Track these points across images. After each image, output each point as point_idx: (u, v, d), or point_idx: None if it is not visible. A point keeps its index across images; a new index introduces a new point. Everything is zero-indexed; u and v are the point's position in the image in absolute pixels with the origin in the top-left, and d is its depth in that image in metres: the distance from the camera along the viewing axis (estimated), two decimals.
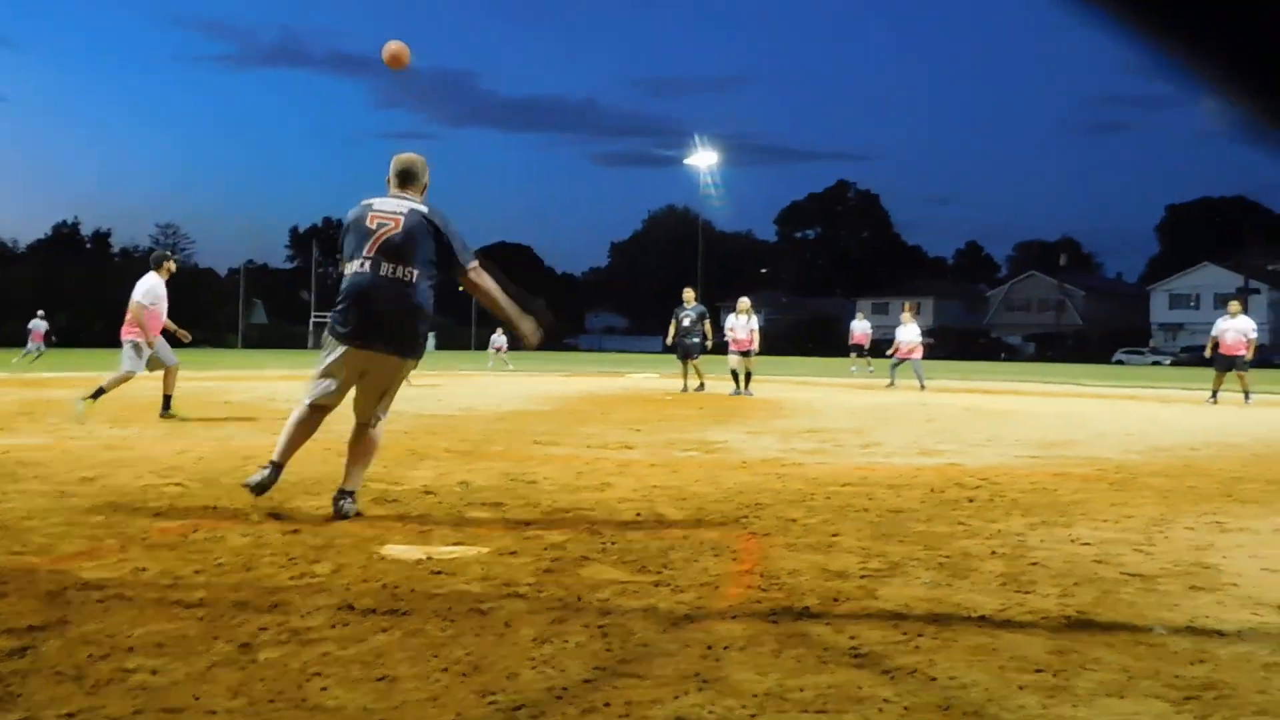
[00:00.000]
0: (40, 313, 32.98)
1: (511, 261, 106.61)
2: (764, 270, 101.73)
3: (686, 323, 18.63)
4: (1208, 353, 18.40)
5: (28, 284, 62.26)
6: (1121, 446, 9.39)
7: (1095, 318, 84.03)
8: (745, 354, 18.00)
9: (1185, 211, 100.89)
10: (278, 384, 18.98)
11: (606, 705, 2.50)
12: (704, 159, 64.89)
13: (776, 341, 69.67)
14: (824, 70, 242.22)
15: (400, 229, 5.01)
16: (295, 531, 4.61)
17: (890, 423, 11.94)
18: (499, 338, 31.17)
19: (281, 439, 5.27)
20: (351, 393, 5.29)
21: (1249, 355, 17.70)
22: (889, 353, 21.48)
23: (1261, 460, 8.52)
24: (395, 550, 4.27)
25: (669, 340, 19.07)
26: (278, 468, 5.20)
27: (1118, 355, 69.92)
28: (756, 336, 18.25)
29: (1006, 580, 3.95)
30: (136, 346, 10.59)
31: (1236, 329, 17.70)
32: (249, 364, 30.86)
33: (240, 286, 71.58)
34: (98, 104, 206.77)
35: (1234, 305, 18.44)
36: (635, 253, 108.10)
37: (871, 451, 8.68)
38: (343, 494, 5.15)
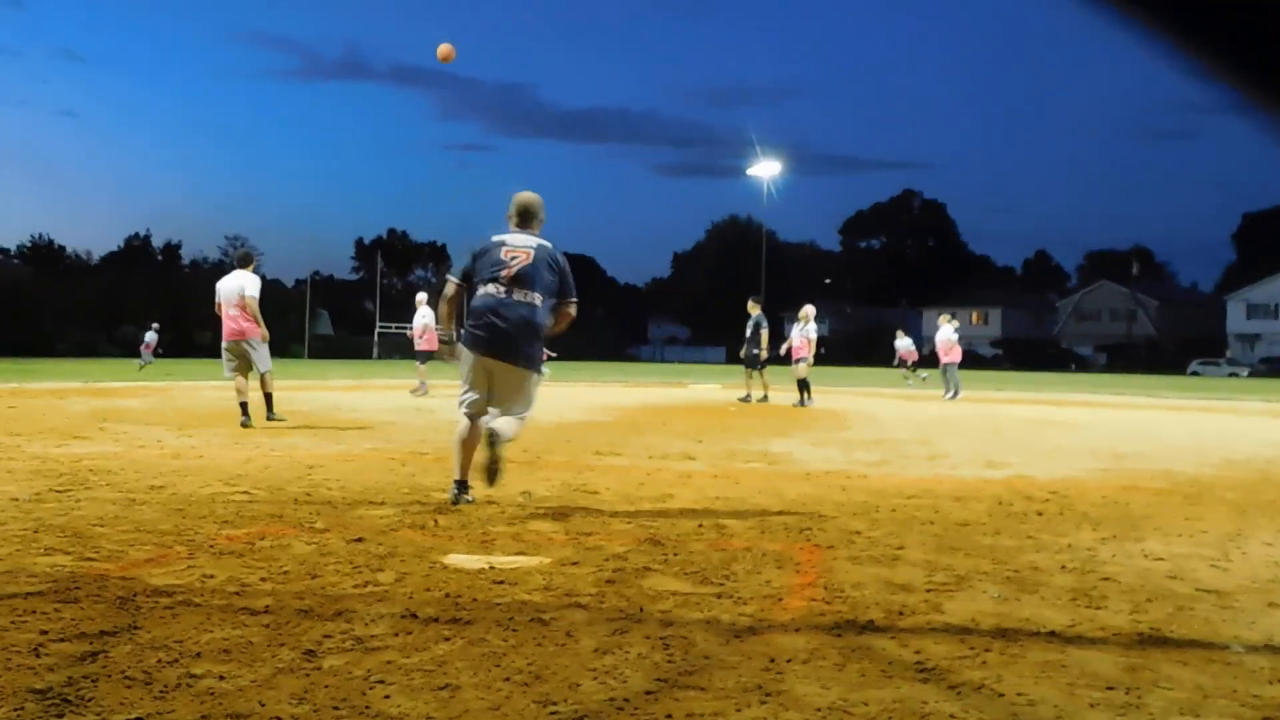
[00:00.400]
0: (155, 325, 34.16)
1: (575, 273, 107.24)
2: (828, 280, 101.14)
3: (749, 333, 18.56)
4: None
5: (99, 295, 63.90)
6: (1195, 459, 9.17)
7: (1169, 328, 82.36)
8: (797, 362, 17.91)
9: (1262, 219, 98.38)
10: (343, 394, 19.22)
11: (668, 717, 2.49)
12: (766, 169, 64.69)
13: (840, 352, 69.30)
14: (886, 78, 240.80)
15: (530, 261, 5.79)
16: (359, 540, 4.66)
17: (956, 434, 11.79)
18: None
19: (455, 459, 5.91)
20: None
21: None
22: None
23: None
24: (457, 560, 4.29)
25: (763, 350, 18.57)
26: (462, 485, 5.87)
27: (1193, 366, 68.43)
28: (808, 345, 18.09)
29: (1076, 595, 3.87)
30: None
31: None
32: (314, 374, 31.30)
33: (306, 297, 72.71)
34: (166, 118, 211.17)
35: None
36: (697, 263, 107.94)
37: (937, 463, 8.57)
38: (460, 485, 5.87)
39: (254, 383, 11.40)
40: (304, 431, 10.58)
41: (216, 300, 11.35)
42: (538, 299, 5.74)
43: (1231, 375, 62.21)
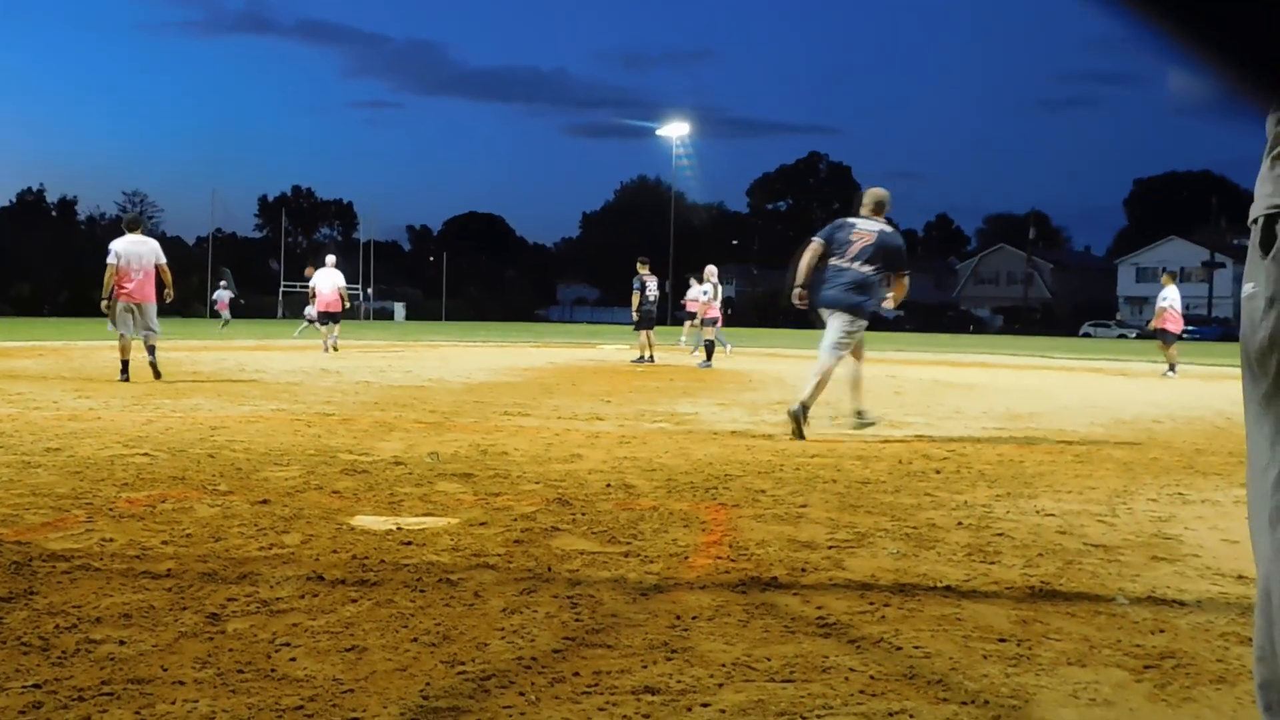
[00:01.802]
0: (223, 281, 32.97)
1: (483, 232, 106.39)
2: (735, 242, 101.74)
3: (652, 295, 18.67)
4: (1154, 326, 18.64)
5: None
6: (1086, 419, 9.50)
7: (1063, 291, 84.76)
8: (705, 323, 18.07)
9: (1152, 186, 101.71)
10: (246, 355, 18.85)
11: (575, 675, 2.52)
12: (675, 130, 64.74)
13: (747, 313, 69.86)
14: (795, 43, 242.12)
15: (871, 242, 7.70)
16: (264, 502, 4.60)
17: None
18: None
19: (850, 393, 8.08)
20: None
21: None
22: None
23: (1223, 433, 8.64)
24: (364, 521, 4.27)
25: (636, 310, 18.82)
26: (860, 414, 8.05)
27: (1085, 328, 70.53)
28: (711, 306, 18.26)
29: (972, 551, 4.00)
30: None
31: (1178, 301, 18.13)
32: (217, 333, 30.61)
33: (209, 256, 70.76)
34: (60, 72, 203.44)
35: (1167, 277, 18.82)
36: (607, 224, 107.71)
37: (839, 424, 8.73)
38: (857, 414, 7.98)
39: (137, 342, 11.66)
40: (207, 393, 10.36)
41: (116, 261, 11.51)
42: (869, 270, 7.62)
43: (1121, 337, 64.31)
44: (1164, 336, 18.32)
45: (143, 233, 12.00)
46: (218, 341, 25.24)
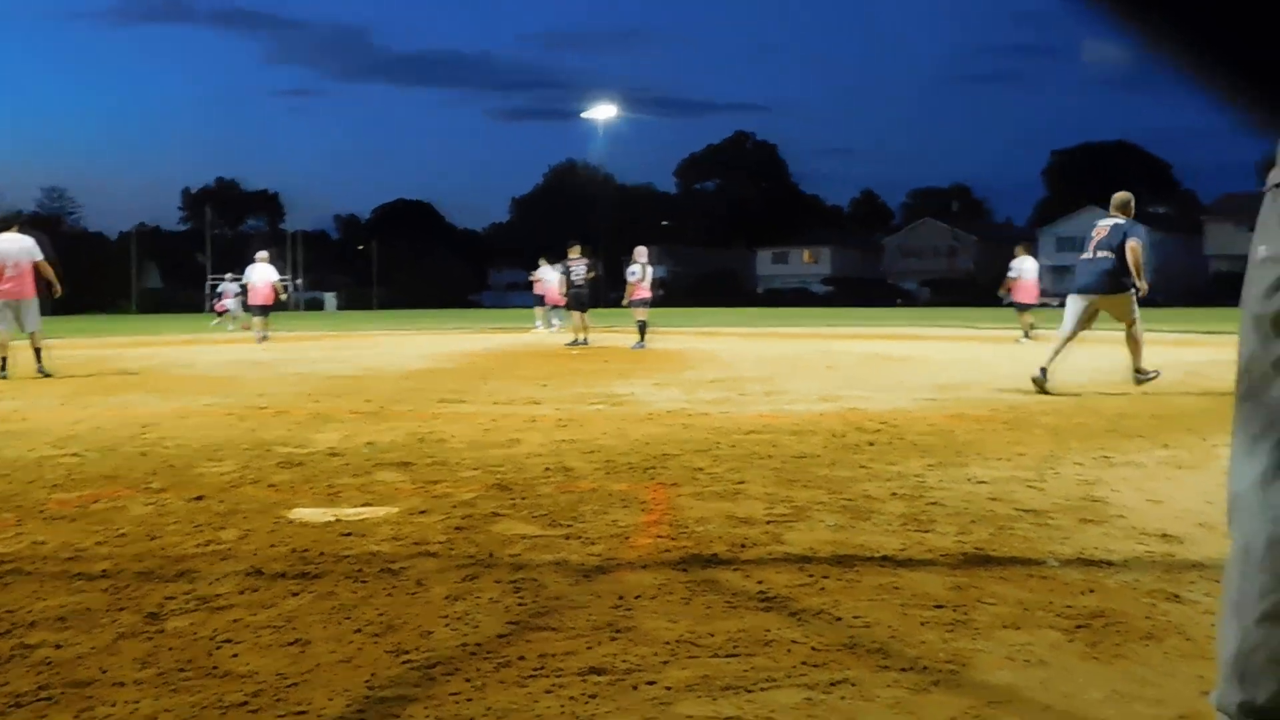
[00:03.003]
0: (230, 275, 32.19)
1: (412, 219, 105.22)
2: (665, 223, 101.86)
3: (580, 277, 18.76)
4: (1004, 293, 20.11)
5: None
6: (1013, 387, 9.69)
7: (987, 262, 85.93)
8: (637, 304, 18.11)
9: (1069, 157, 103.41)
10: (175, 350, 18.51)
11: (521, 659, 2.53)
12: (602, 112, 64.52)
13: (680, 293, 70.05)
14: (719, 22, 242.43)
15: (1106, 234, 9.27)
16: (199, 499, 4.54)
17: (792, 371, 12.13)
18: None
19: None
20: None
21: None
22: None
23: (1145, 397, 8.87)
24: (303, 514, 4.23)
25: (563, 293, 19.09)
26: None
27: (1009, 298, 71.74)
28: (642, 287, 18.32)
29: (907, 520, 4.08)
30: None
31: (1031, 272, 19.37)
32: (144, 329, 30.00)
33: (132, 250, 69.18)
34: None
35: (1022, 249, 20.55)
36: (537, 207, 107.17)
37: (774, 399, 8.82)
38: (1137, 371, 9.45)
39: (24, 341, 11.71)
40: (136, 389, 10.17)
41: None
42: (1112, 256, 9.07)
43: (1043, 305, 65.48)
44: (1017, 305, 19.41)
45: (19, 230, 11.89)
46: (147, 337, 24.76)
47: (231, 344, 20.41)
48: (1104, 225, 9.34)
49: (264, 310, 20.79)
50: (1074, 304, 9.45)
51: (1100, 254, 9.18)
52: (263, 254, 21.67)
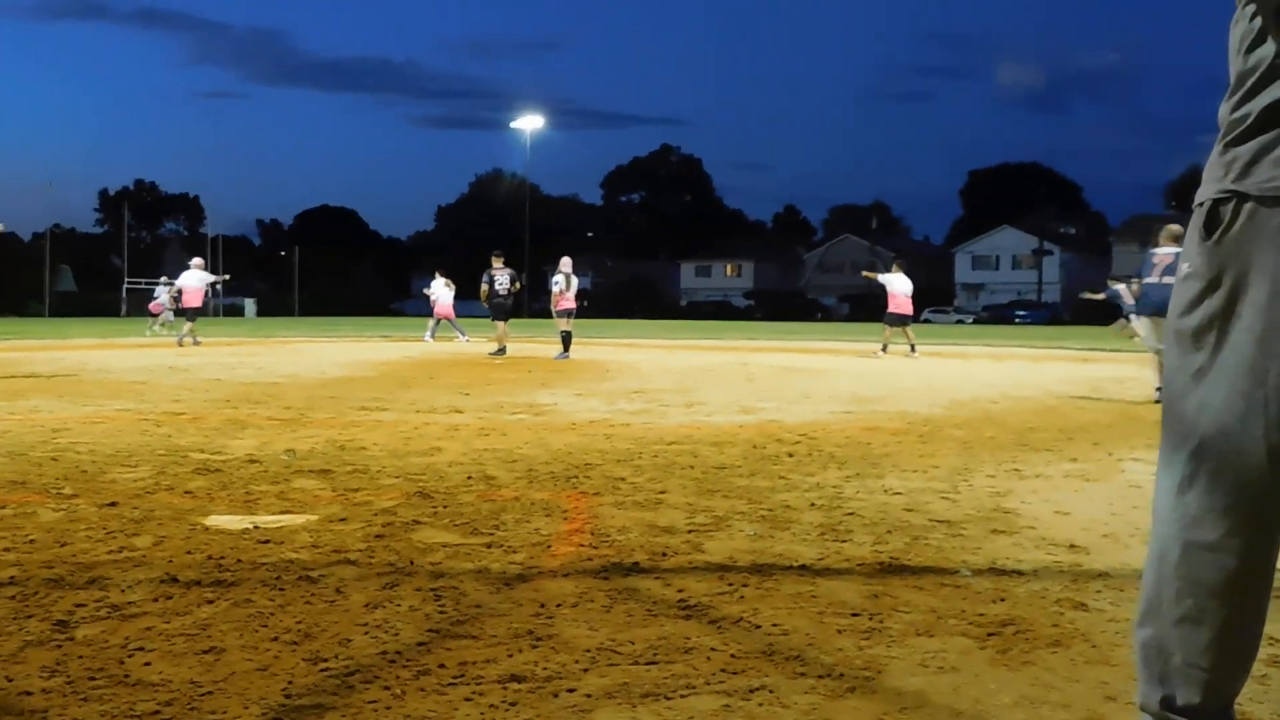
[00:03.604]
0: (163, 279, 31.44)
1: (335, 226, 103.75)
2: (590, 234, 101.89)
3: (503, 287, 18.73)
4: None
5: None
6: (927, 401, 9.88)
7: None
8: (562, 314, 18.13)
9: (985, 176, 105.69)
10: (88, 354, 18.04)
11: (441, 667, 2.52)
12: (529, 122, 64.43)
13: (602, 304, 70.13)
14: (646, 35, 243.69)
15: (1172, 261, 9.40)
16: (112, 505, 4.44)
17: (712, 383, 12.23)
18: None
19: None
20: None
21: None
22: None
23: (1052, 411, 9.12)
24: (219, 521, 4.16)
25: (485, 302, 19.02)
26: None
27: (925, 314, 72.90)
28: (565, 297, 18.37)
29: (824, 530, 4.14)
30: None
31: (905, 287, 19.92)
32: (56, 333, 29.17)
33: (46, 251, 67.07)
34: None
35: (895, 266, 20.66)
36: (461, 216, 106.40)
37: (695, 410, 8.88)
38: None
39: None
40: (46, 393, 9.90)
41: None
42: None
43: (958, 322, 66.89)
44: (893, 320, 19.99)
45: None
46: (57, 340, 24.10)
47: (145, 349, 19.96)
48: (1166, 253, 10.05)
49: (193, 314, 21.75)
50: (1149, 324, 10.60)
51: (1165, 279, 9.83)
52: (196, 260, 23.11)
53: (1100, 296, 20.83)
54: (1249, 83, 1.69)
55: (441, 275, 25.41)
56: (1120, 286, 20.56)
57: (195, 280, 22.12)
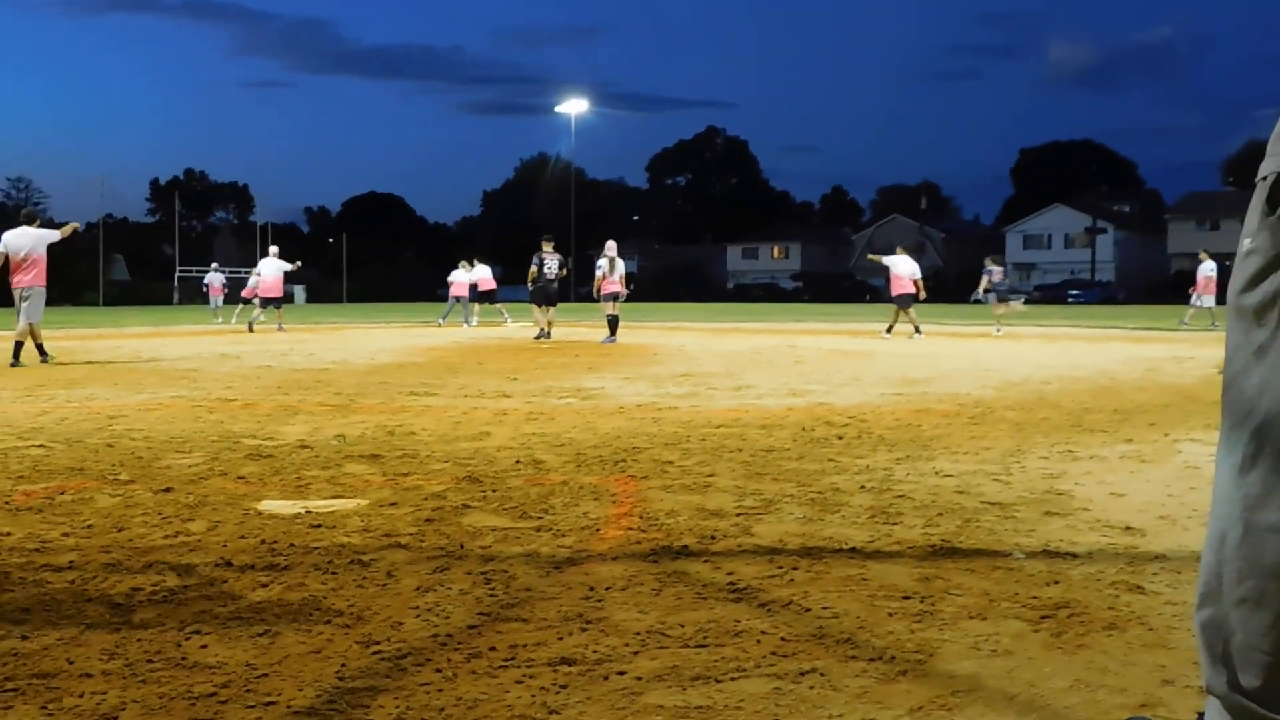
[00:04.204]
0: (215, 265, 32.31)
1: (382, 213, 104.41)
2: (635, 217, 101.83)
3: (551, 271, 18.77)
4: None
5: None
6: (978, 382, 9.78)
7: (954, 259, 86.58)
8: (607, 298, 18.14)
9: (1036, 155, 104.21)
10: (142, 342, 18.35)
11: (492, 649, 2.54)
12: (574, 106, 64.47)
13: (648, 288, 70.06)
14: (689, 17, 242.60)
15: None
16: (167, 490, 4.51)
17: (760, 366, 12.18)
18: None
19: None
20: None
21: (921, 294, 20.24)
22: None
23: (1106, 392, 8.98)
24: (271, 506, 4.22)
25: (531, 284, 19.06)
26: None
27: (975, 295, 72.26)
28: (615, 281, 18.36)
29: (874, 513, 4.11)
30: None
31: (908, 269, 19.95)
32: (110, 322, 29.68)
33: (99, 241, 68.18)
34: None
35: (900, 248, 20.85)
36: (508, 201, 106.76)
37: (743, 394, 8.85)
38: None
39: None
40: (102, 381, 10.07)
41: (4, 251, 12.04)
42: None
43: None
44: (898, 301, 19.96)
45: (39, 225, 12.47)
46: (111, 329, 24.53)
47: (197, 336, 20.27)
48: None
49: (276, 303, 22.64)
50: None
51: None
52: (274, 248, 23.92)
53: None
54: None
55: (467, 264, 26.33)
56: (995, 268, 23.36)
57: (273, 269, 22.71)
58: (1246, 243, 1.72)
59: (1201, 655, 1.80)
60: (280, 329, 21.80)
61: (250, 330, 21.72)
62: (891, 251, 20.96)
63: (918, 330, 19.50)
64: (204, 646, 2.56)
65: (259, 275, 23.56)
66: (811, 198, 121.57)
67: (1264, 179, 1.70)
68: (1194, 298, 24.36)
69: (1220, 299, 23.39)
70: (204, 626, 2.71)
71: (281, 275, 22.95)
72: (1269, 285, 1.68)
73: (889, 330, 19.98)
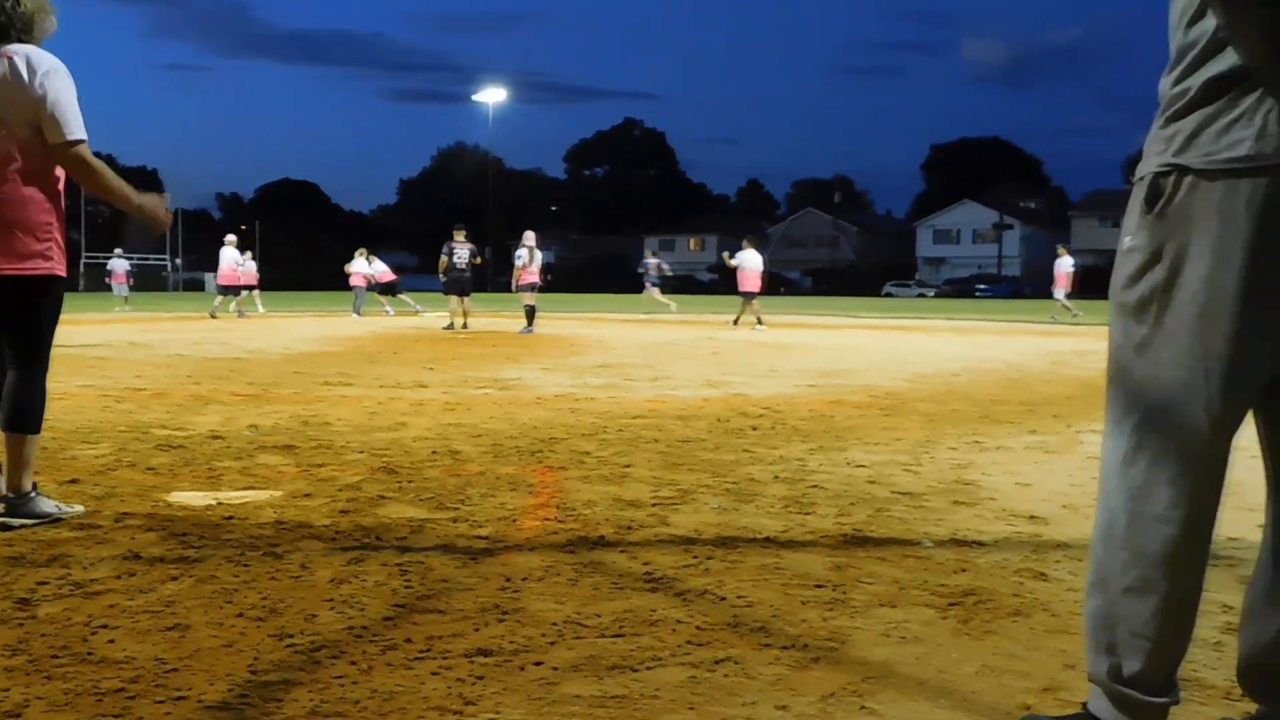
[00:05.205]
0: (118, 250, 31.03)
1: (296, 200, 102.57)
2: (554, 208, 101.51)
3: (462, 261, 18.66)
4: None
5: None
6: (891, 374, 9.96)
7: (867, 253, 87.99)
8: (525, 288, 18.11)
9: (947, 151, 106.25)
10: None
11: (408, 641, 2.53)
12: (492, 96, 63.98)
13: (567, 279, 69.94)
14: (612, 8, 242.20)
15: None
16: (74, 482, 4.39)
17: (678, 357, 12.25)
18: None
19: None
20: None
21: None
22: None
23: (1014, 384, 9.21)
24: (182, 497, 4.14)
25: (442, 275, 18.93)
26: None
27: (887, 288, 73.43)
28: (532, 272, 18.37)
29: (789, 503, 4.17)
30: None
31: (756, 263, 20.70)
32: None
33: None
34: None
35: (746, 243, 21.36)
36: (425, 190, 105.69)
37: (660, 385, 8.90)
38: None
39: None
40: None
41: None
42: None
43: (920, 296, 67.31)
44: (746, 295, 20.51)
45: None
46: None
47: (106, 325, 19.73)
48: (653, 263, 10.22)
49: (233, 290, 23.89)
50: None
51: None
52: (230, 237, 24.79)
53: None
54: (1189, 57, 1.70)
55: (362, 256, 26.48)
56: (652, 261, 26.68)
57: (229, 259, 23.72)
58: (1127, 240, 1.79)
59: (1087, 644, 1.87)
60: (240, 315, 23.12)
61: (213, 317, 22.58)
62: (739, 248, 21.20)
63: (760, 322, 19.98)
64: (111, 641, 2.51)
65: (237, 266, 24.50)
66: (728, 190, 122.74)
67: (1141, 179, 1.77)
68: (1056, 292, 25.56)
69: (1080, 294, 24.39)
70: (112, 621, 2.65)
71: (234, 264, 23.93)
72: (1148, 281, 1.75)
73: (735, 322, 20.56)
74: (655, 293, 26.95)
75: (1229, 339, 1.67)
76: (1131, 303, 1.77)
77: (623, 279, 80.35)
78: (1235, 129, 1.64)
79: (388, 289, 27.09)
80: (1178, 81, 1.73)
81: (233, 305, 24.15)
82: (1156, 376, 1.74)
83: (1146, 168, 1.77)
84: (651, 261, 26.97)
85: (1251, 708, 1.93)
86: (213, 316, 22.65)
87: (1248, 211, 1.63)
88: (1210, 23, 1.66)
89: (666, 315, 25.73)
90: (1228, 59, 1.65)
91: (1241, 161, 1.63)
